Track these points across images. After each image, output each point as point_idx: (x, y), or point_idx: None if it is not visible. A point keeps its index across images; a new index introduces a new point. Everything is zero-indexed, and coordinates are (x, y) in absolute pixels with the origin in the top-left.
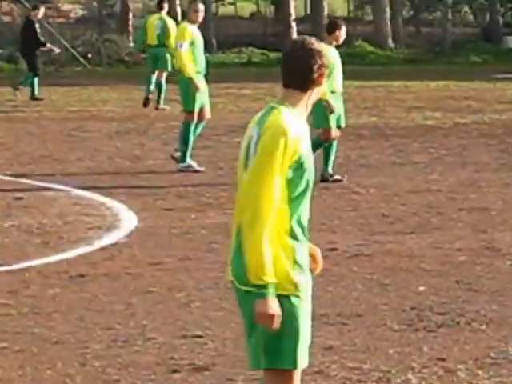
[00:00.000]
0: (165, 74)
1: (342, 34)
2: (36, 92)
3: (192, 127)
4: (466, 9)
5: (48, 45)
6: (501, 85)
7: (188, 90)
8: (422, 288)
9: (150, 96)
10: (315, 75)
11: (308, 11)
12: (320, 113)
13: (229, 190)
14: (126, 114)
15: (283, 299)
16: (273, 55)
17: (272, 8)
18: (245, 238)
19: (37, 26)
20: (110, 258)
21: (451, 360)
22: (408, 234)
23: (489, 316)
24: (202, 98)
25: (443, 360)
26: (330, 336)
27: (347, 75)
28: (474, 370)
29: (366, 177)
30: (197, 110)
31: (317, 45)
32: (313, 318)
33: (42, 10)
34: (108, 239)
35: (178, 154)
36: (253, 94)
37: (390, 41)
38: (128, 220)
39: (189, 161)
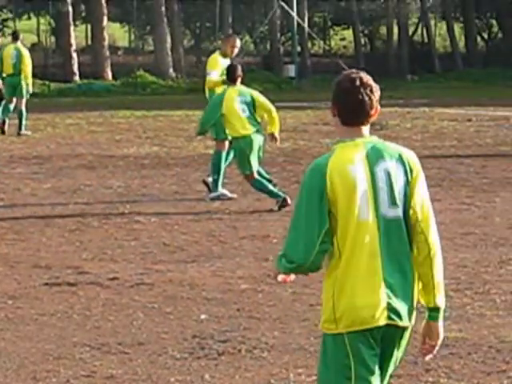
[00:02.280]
0: (24, 101)
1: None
2: None
3: (223, 155)
4: (247, 37)
5: None
6: (281, 114)
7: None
8: (203, 316)
9: (6, 124)
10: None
11: (89, 42)
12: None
13: (8, 220)
14: None
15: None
16: (54, 86)
17: (53, 39)
18: (436, 267)
19: None
20: None
21: None
22: (189, 263)
23: (270, 343)
24: None
25: None
26: (111, 365)
27: (128, 105)
28: None
29: (148, 206)
30: (227, 138)
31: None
32: (94, 348)
33: None
34: None
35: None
36: (34, 125)
37: (170, 70)
38: None
39: (221, 189)
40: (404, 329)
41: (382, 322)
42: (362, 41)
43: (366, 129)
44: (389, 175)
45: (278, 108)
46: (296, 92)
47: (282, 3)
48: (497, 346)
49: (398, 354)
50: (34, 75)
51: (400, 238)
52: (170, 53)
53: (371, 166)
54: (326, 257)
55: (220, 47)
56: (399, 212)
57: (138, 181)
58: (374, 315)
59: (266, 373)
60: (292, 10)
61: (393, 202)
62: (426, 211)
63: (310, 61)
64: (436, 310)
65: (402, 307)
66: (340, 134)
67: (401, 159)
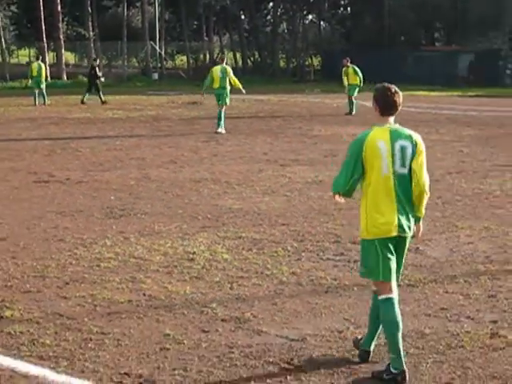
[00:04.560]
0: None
1: None
2: None
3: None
4: (134, 60)
5: None
6: (150, 98)
7: None
8: (112, 197)
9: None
10: None
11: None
12: None
13: (14, 150)
14: None
15: None
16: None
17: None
18: (424, 200)
19: None
20: None
21: None
22: (105, 171)
23: (148, 211)
24: None
25: None
26: (65, 223)
27: (77, 93)
28: None
29: (83, 142)
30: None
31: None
32: (58, 213)
33: None
34: None
35: None
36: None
37: None
38: None
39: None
40: (406, 237)
41: (395, 233)
42: (191, 61)
43: (392, 118)
44: (401, 148)
45: (148, 95)
46: (158, 86)
47: (151, 43)
48: None
49: (403, 252)
50: None
51: (405, 185)
52: None
53: (392, 142)
54: (360, 188)
55: None
56: (406, 171)
57: (79, 131)
58: (390, 229)
59: (144, 225)
60: (156, 45)
61: (402, 164)
62: (420, 170)
63: (165, 71)
64: (419, 218)
65: (406, 224)
66: (377, 121)
67: (411, 139)
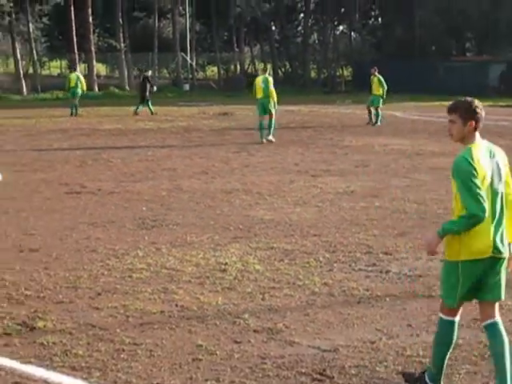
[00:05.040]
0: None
1: None
2: None
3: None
4: (165, 71)
5: None
6: (180, 108)
7: None
8: (144, 208)
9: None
10: None
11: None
12: None
13: (46, 161)
14: None
15: None
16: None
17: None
18: None
19: None
20: None
21: None
22: (136, 182)
23: (179, 221)
24: None
25: None
26: (98, 234)
27: (109, 104)
28: None
29: (115, 152)
30: None
31: None
32: (89, 224)
33: None
34: None
35: None
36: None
37: (127, 86)
38: None
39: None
40: (502, 259)
41: (489, 254)
42: (222, 72)
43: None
44: (497, 164)
45: (179, 106)
46: (189, 97)
47: (182, 54)
48: None
49: (498, 273)
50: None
51: (501, 203)
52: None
53: (491, 159)
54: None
55: None
56: (501, 187)
57: (111, 141)
58: (485, 250)
59: (176, 236)
60: (187, 56)
61: (499, 180)
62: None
63: (196, 82)
64: None
65: (501, 245)
66: (469, 136)
67: (501, 154)
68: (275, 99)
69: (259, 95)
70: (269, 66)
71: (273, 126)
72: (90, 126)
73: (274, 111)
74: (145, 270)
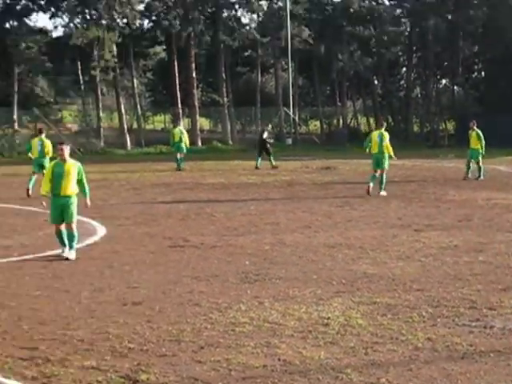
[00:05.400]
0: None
1: None
2: None
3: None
4: (270, 126)
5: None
6: (283, 162)
7: None
8: (247, 262)
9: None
10: None
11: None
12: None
13: (150, 215)
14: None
15: None
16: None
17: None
18: None
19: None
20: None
21: None
22: (239, 236)
23: (282, 275)
24: None
25: None
26: (201, 288)
27: (212, 158)
28: None
29: (217, 206)
30: None
31: None
32: (193, 277)
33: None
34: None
35: None
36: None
37: (230, 141)
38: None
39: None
40: None
41: None
42: (324, 126)
43: None
44: None
45: (281, 160)
46: (291, 151)
47: (285, 109)
48: None
49: None
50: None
51: None
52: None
53: None
54: None
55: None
56: None
57: (213, 195)
58: None
59: (278, 290)
60: (290, 111)
61: None
62: None
63: (299, 136)
64: None
65: None
66: None
67: None
68: (392, 153)
69: (374, 150)
70: (384, 121)
71: (384, 181)
72: (193, 179)
73: (387, 167)
74: (247, 324)
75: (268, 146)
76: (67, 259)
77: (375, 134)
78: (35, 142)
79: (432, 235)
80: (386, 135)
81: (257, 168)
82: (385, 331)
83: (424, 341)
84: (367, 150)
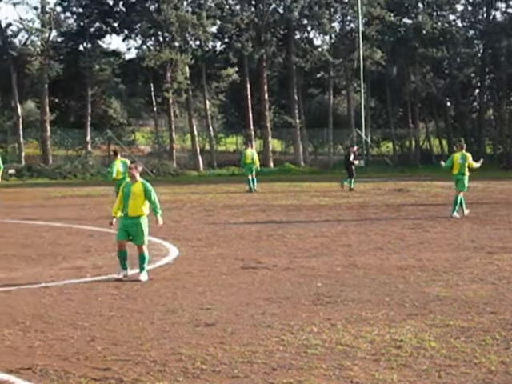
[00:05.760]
0: None
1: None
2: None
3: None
4: (340, 147)
5: None
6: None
7: None
8: (319, 284)
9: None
10: None
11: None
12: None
13: (222, 236)
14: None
15: None
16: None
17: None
18: None
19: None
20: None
21: None
22: (311, 257)
23: (352, 296)
24: None
25: None
26: (268, 308)
27: (284, 180)
28: None
29: (290, 228)
30: None
31: None
32: (265, 299)
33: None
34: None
35: None
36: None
37: (302, 162)
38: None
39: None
40: None
41: None
42: (397, 148)
43: None
44: None
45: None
46: (364, 173)
47: (357, 130)
48: None
49: None
50: None
51: None
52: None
53: None
54: None
55: None
56: None
57: (286, 217)
58: None
59: (350, 312)
60: (362, 133)
61: None
62: None
63: (371, 158)
64: None
65: None
66: None
67: None
68: (477, 163)
69: (455, 171)
70: (464, 143)
71: (458, 202)
72: (265, 201)
73: (465, 189)
74: (320, 346)
75: (353, 167)
76: (139, 281)
77: (457, 156)
78: (117, 163)
79: (505, 257)
80: (469, 155)
81: (351, 190)
82: (458, 354)
83: (497, 364)
84: (446, 169)
